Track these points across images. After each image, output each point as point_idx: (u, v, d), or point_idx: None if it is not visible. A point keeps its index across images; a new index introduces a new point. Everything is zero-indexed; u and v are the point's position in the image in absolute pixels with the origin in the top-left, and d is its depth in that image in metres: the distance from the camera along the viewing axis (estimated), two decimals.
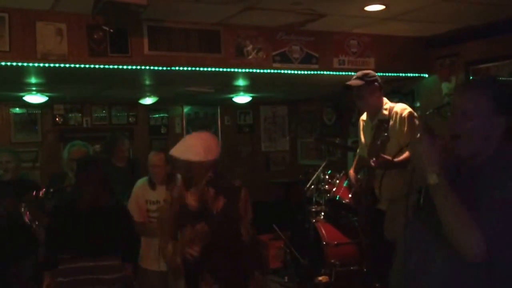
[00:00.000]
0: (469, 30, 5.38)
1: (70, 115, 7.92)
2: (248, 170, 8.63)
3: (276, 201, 8.10)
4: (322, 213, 5.33)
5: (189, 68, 4.85)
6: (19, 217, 4.02)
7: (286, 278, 5.58)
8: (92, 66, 4.48)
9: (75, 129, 7.84)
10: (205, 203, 2.69)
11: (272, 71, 5.21)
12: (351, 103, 5.23)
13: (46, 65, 4.36)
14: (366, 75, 4.09)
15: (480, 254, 1.64)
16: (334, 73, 5.49)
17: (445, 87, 5.76)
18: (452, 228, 1.67)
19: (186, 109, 8.73)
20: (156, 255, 3.72)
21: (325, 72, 5.45)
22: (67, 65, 4.39)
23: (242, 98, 7.75)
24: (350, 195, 4.92)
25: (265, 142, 9.21)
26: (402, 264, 1.99)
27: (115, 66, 4.58)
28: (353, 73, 4.29)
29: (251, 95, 7.70)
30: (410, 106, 4.21)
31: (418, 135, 1.77)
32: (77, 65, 4.42)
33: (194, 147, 2.85)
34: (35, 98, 6.74)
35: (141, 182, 4.26)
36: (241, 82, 6.36)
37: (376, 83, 4.09)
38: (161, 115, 8.58)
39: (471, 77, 5.44)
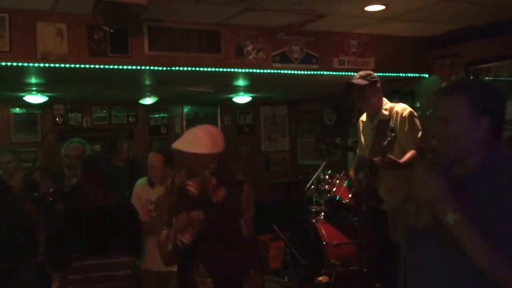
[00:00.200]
0: (469, 30, 5.38)
1: (70, 115, 7.92)
2: (248, 170, 8.61)
3: (276, 201, 8.09)
4: (322, 213, 5.32)
5: (189, 68, 4.84)
6: (19, 217, 4.02)
7: (286, 278, 5.59)
8: (92, 66, 4.48)
9: (75, 129, 7.82)
10: (206, 191, 2.62)
11: (272, 71, 5.21)
12: (351, 103, 5.21)
13: (46, 65, 4.36)
14: (368, 75, 4.09)
15: None
16: (334, 73, 5.49)
17: None
18: (484, 263, 1.65)
19: (186, 109, 8.73)
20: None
21: (325, 72, 5.45)
22: (67, 65, 4.39)
23: (242, 98, 7.74)
24: (350, 195, 4.93)
25: (265, 142, 9.20)
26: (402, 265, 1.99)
27: (115, 66, 4.58)
28: (353, 73, 4.30)
29: (251, 95, 7.69)
30: (410, 106, 4.21)
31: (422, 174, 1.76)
32: (77, 65, 4.42)
33: (200, 139, 2.74)
34: (35, 98, 6.73)
35: (141, 182, 4.26)
36: (241, 82, 6.36)
37: (378, 84, 4.10)
38: (161, 115, 8.57)
39: (471, 77, 5.44)
